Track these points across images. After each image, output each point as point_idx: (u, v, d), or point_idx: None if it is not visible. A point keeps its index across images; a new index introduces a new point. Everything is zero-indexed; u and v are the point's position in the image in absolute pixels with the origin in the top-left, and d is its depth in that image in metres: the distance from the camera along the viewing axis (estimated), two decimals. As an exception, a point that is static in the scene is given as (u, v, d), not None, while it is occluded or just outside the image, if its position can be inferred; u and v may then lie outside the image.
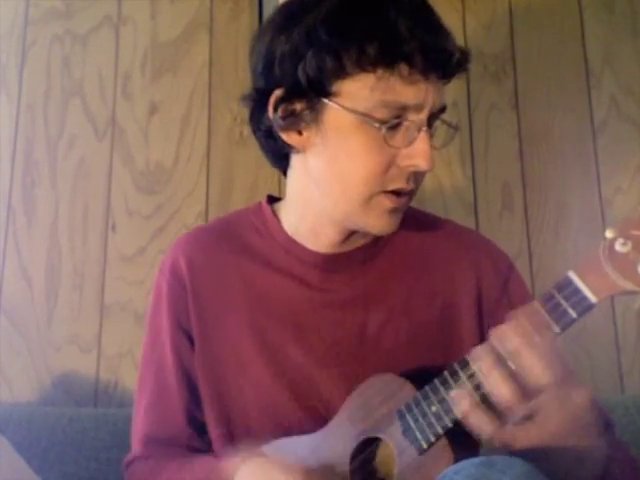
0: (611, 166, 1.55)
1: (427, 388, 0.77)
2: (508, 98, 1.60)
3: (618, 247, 0.69)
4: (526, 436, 0.68)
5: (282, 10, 0.88)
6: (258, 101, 0.88)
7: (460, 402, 0.72)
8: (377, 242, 0.95)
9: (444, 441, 0.77)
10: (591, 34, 1.62)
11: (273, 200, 1.01)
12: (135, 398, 1.00)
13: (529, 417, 0.68)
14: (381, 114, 0.80)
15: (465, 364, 0.75)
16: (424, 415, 0.76)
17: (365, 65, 0.79)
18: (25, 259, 1.53)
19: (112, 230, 1.54)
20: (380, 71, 0.79)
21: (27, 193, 1.56)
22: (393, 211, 0.86)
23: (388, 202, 0.85)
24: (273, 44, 0.84)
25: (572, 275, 0.71)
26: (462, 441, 0.78)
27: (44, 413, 1.34)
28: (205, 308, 0.95)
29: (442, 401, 0.75)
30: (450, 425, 0.75)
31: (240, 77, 1.59)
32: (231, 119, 1.58)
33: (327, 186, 0.87)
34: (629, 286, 0.68)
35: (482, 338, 0.89)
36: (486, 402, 0.71)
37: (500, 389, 0.69)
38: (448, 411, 0.75)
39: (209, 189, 1.56)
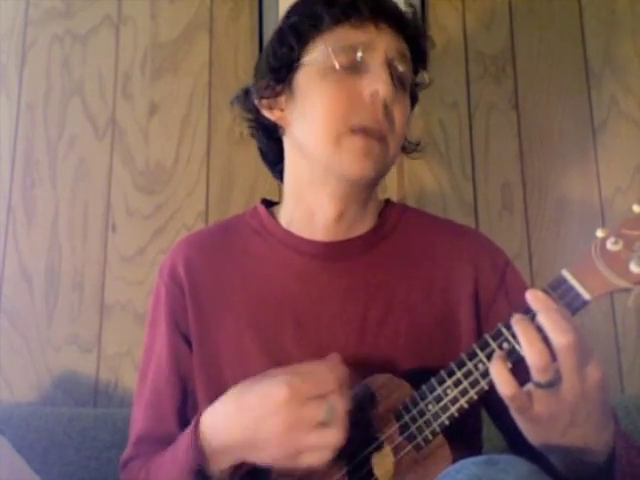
0: (611, 166, 1.55)
1: (424, 387, 0.77)
2: (508, 98, 1.60)
3: (609, 246, 0.70)
4: (544, 403, 0.68)
5: None
6: (245, 99, 1.00)
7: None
8: (376, 232, 0.97)
9: (442, 440, 0.77)
10: (591, 34, 1.62)
11: (269, 204, 1.04)
12: (134, 398, 1.00)
13: (551, 385, 0.67)
14: (338, 60, 0.89)
15: (462, 364, 0.75)
16: (421, 414, 0.77)
17: (320, 28, 0.91)
18: (25, 259, 1.53)
19: (112, 230, 1.54)
20: (333, 27, 0.90)
21: (27, 193, 1.56)
22: (365, 153, 0.89)
23: (357, 140, 0.88)
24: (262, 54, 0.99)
25: (566, 274, 0.71)
26: (461, 440, 0.78)
27: (44, 413, 1.34)
28: (204, 310, 0.96)
29: (439, 399, 0.76)
30: (447, 423, 0.75)
31: (240, 77, 1.59)
32: (231, 119, 1.58)
33: (305, 139, 0.93)
34: (622, 283, 0.68)
35: (479, 333, 0.90)
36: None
37: (534, 347, 0.68)
38: (445, 409, 0.75)
39: (209, 189, 1.56)
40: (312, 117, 0.91)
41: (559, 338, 0.66)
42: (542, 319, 0.68)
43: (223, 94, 1.60)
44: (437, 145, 1.56)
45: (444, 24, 1.63)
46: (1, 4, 1.65)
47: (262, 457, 0.76)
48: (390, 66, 0.90)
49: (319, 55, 0.90)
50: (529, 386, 0.69)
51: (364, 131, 0.88)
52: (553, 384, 0.67)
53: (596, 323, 1.46)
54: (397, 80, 0.91)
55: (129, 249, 1.53)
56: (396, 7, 0.94)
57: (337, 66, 0.89)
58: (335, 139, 0.88)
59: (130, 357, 1.47)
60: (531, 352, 0.67)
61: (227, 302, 0.95)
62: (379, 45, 0.90)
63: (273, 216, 1.00)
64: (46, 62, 1.62)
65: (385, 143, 0.90)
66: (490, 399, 0.72)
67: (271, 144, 1.02)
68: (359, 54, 0.89)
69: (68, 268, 1.52)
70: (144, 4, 1.65)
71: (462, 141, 1.57)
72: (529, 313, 0.70)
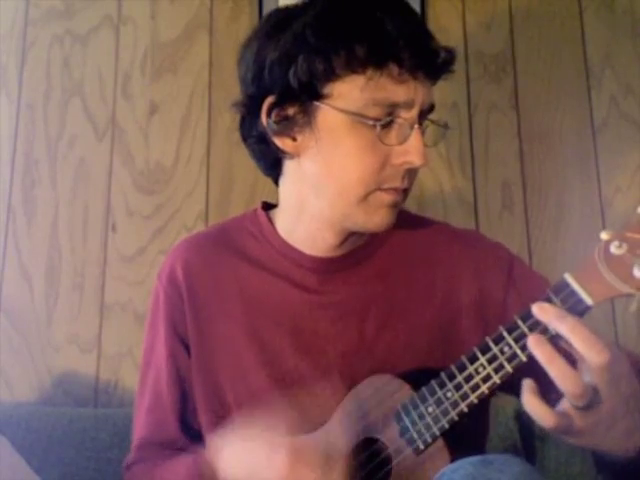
0: (611, 166, 1.55)
1: (424, 390, 0.77)
2: (508, 98, 1.60)
3: (613, 249, 0.68)
4: (583, 417, 0.66)
5: (269, 18, 0.90)
6: (249, 107, 0.89)
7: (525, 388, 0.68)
8: (373, 243, 0.95)
9: (441, 442, 0.77)
10: (591, 34, 1.62)
11: (269, 207, 1.02)
12: (135, 401, 1.00)
13: (590, 405, 0.65)
14: (372, 113, 0.81)
15: (463, 367, 0.74)
16: (421, 417, 0.76)
17: (355, 66, 0.80)
18: (25, 259, 1.53)
19: (112, 230, 1.54)
20: (370, 71, 0.80)
21: (27, 193, 1.56)
22: (390, 206, 0.86)
23: (386, 196, 0.85)
24: (262, 52, 0.85)
25: (568, 278, 0.70)
26: (462, 444, 0.77)
27: (44, 413, 1.35)
28: (202, 314, 0.95)
29: (439, 403, 0.75)
30: (447, 427, 0.75)
31: (240, 77, 1.59)
32: (231, 119, 1.57)
33: (323, 188, 0.87)
34: (625, 289, 0.67)
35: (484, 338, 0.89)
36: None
37: (566, 376, 0.65)
38: (445, 413, 0.75)
39: (209, 189, 1.56)
40: (338, 172, 0.85)
41: (596, 358, 0.64)
42: (575, 341, 0.65)
43: (223, 94, 1.60)
44: (437, 145, 1.56)
45: (444, 24, 1.62)
46: (1, 4, 1.65)
47: None
48: (421, 116, 0.85)
49: (350, 100, 0.81)
50: (566, 407, 0.67)
51: (392, 189, 0.85)
52: (591, 404, 0.65)
53: (596, 323, 1.45)
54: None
55: (129, 249, 1.53)
56: (435, 51, 0.84)
57: (376, 126, 0.81)
58: (362, 199, 0.85)
59: (130, 357, 1.47)
60: (565, 382, 0.65)
61: (225, 308, 0.95)
62: (416, 101, 0.83)
63: (272, 223, 0.97)
64: (46, 62, 1.62)
65: (407, 193, 0.89)
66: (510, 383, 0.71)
67: (264, 151, 0.92)
68: (396, 112, 0.82)
69: (68, 268, 1.52)
70: (144, 4, 1.65)
71: (462, 141, 1.57)
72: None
